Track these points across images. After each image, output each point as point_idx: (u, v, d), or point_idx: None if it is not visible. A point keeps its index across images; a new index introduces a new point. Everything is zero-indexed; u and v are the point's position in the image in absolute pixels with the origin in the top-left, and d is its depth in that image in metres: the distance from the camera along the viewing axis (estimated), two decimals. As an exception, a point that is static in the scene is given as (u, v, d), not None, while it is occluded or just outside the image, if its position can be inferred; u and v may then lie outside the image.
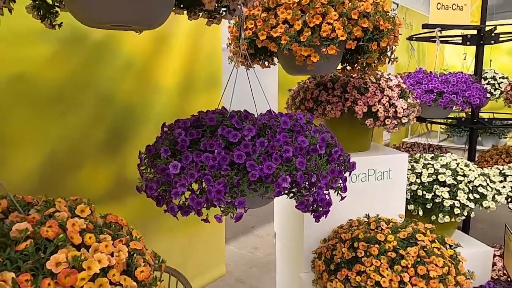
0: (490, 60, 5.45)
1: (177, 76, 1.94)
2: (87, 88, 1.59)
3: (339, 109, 1.71)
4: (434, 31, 2.73)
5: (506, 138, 4.78)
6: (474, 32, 2.85)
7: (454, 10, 2.75)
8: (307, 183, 1.04)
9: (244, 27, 1.35)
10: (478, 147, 4.22)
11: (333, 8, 1.22)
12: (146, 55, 1.79)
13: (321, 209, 1.08)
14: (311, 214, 1.09)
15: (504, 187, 2.26)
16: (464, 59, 4.59)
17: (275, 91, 2.77)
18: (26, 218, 0.67)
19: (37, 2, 0.97)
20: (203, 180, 0.99)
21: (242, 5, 1.02)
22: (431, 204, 1.94)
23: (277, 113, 1.19)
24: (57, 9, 1.02)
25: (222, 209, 0.99)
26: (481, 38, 2.81)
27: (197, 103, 2.03)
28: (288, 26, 1.26)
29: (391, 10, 1.36)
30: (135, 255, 0.75)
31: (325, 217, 1.10)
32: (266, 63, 1.70)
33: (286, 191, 1.05)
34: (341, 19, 1.21)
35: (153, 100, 1.85)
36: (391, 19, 1.31)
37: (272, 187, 0.97)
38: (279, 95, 2.69)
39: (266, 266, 3.09)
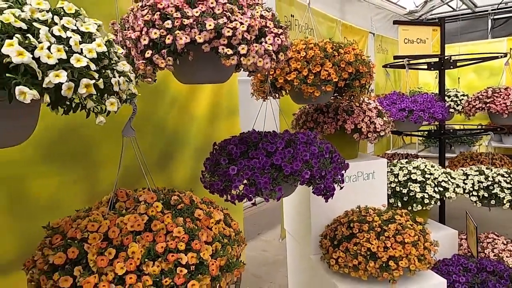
0: (459, 78, 6.14)
1: (206, 107, 2.50)
2: (148, 121, 2.14)
3: (333, 127, 2.29)
4: (403, 61, 3.38)
5: (475, 146, 5.44)
6: (436, 59, 3.51)
7: (418, 43, 3.40)
8: (318, 176, 1.59)
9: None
10: (451, 155, 4.86)
11: (328, 59, 1.81)
12: (185, 92, 2.35)
13: (328, 193, 1.64)
14: (322, 197, 1.65)
15: (466, 183, 2.86)
16: (436, 78, 5.28)
17: (277, 113, 3.36)
18: (174, 194, 1.21)
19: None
20: (253, 177, 1.54)
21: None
22: (406, 197, 2.52)
23: (295, 132, 1.76)
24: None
25: (267, 194, 1.54)
26: (441, 65, 3.46)
27: (221, 127, 2.59)
28: (298, 72, 1.84)
29: (367, 57, 1.96)
30: (227, 217, 1.29)
31: (331, 199, 1.65)
32: (277, 95, 2.28)
33: (307, 181, 1.60)
34: (334, 67, 1.80)
35: (190, 127, 2.41)
36: (367, 64, 1.91)
37: (298, 179, 1.53)
38: (280, 117, 3.28)
39: (276, 264, 3.61)
